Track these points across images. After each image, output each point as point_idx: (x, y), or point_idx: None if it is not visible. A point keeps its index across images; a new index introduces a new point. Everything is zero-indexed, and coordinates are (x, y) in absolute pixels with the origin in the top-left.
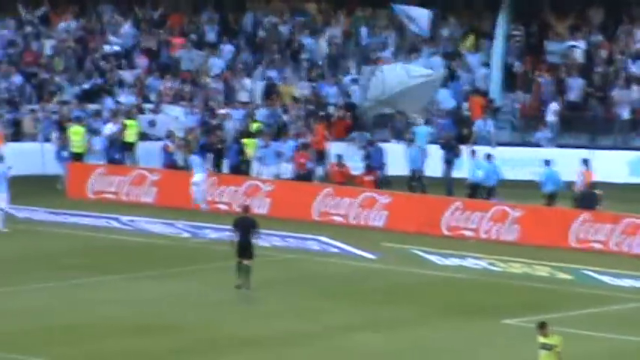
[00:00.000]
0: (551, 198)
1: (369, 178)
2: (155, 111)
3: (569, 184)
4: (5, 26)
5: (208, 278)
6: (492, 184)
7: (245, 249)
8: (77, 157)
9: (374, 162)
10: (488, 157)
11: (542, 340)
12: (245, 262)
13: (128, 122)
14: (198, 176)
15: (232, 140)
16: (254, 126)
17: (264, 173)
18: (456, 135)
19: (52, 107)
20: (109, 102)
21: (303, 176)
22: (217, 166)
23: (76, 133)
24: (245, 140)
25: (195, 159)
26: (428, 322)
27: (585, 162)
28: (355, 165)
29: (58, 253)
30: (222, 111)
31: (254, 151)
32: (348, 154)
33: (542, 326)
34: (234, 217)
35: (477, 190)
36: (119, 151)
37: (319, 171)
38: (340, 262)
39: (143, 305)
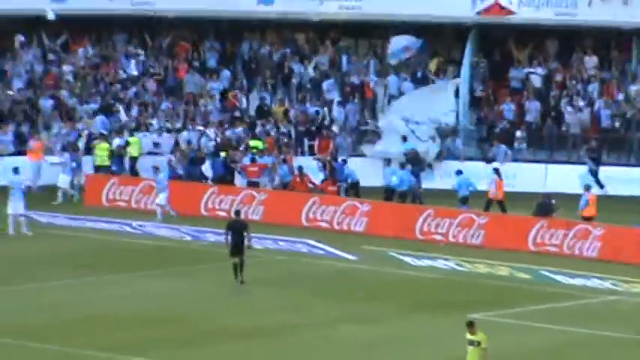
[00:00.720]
0: (464, 201)
1: (332, 188)
2: (161, 130)
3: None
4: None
5: (208, 276)
6: (405, 189)
7: (238, 248)
8: (101, 169)
9: (339, 175)
10: (402, 165)
11: (469, 337)
12: (238, 259)
13: (131, 140)
14: (161, 198)
15: (213, 154)
16: (257, 143)
17: (239, 184)
18: None
19: (78, 126)
20: (117, 118)
21: (254, 184)
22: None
23: (102, 149)
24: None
25: (162, 180)
26: (404, 315)
27: (497, 171)
28: (318, 177)
29: (76, 254)
30: (199, 128)
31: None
32: (311, 167)
33: (470, 325)
34: (228, 221)
35: (392, 195)
36: (118, 164)
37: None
38: (326, 263)
39: (150, 300)
